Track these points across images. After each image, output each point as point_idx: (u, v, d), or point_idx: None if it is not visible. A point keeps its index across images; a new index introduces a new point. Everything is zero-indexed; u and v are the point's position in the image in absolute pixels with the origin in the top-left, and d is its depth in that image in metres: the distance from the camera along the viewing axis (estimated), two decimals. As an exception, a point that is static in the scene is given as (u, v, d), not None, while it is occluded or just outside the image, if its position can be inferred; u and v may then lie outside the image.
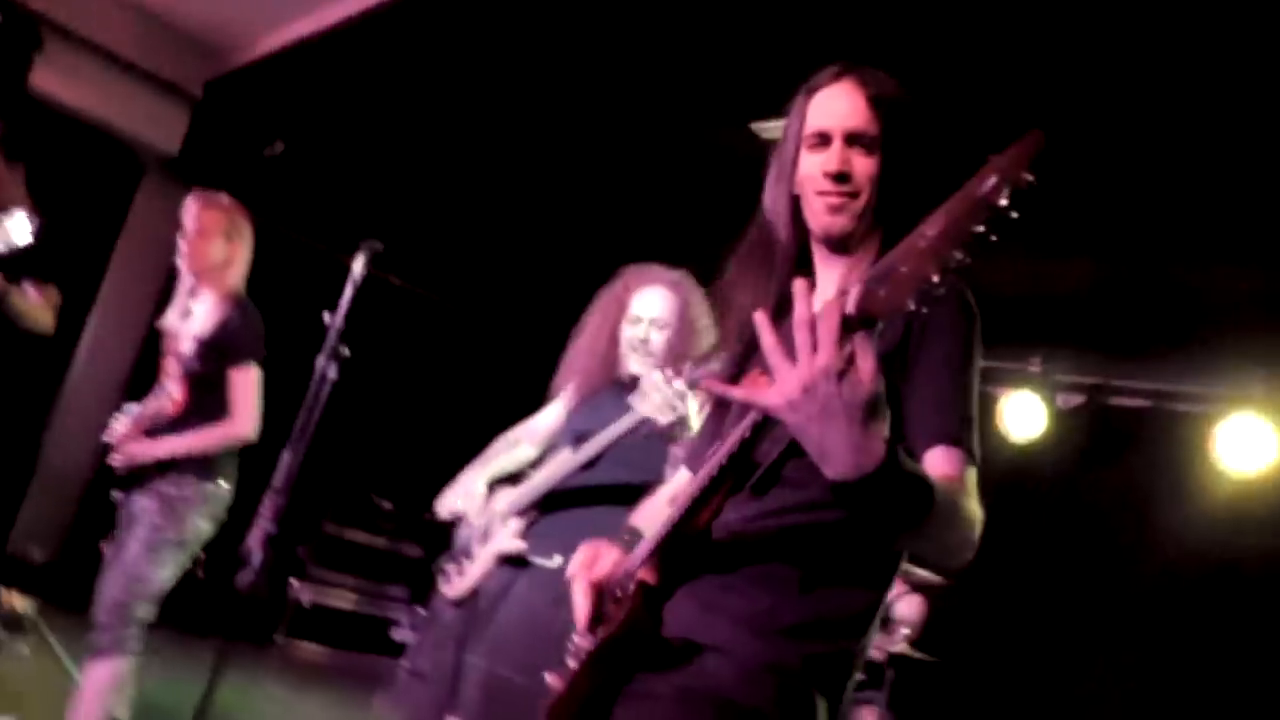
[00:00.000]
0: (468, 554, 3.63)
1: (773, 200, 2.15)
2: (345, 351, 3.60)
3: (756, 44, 4.56)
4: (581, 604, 2.08)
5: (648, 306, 3.68)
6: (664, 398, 3.15)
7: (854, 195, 2.00)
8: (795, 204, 2.10)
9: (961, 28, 4.01)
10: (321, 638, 7.35)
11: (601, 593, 2.09)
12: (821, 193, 2.01)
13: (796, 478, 1.88)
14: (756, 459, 1.87)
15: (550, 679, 2.11)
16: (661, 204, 6.05)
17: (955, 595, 4.96)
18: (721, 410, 2.29)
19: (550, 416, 3.92)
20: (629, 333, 3.67)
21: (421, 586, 7.10)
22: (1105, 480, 5.38)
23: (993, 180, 1.37)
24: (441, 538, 4.05)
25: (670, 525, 1.92)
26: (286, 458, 3.60)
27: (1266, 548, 4.81)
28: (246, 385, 3.94)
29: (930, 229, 1.41)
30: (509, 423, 3.99)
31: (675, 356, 3.58)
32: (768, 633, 1.89)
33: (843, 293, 1.46)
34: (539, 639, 3.31)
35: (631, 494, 3.21)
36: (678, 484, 2.37)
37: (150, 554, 3.77)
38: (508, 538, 3.54)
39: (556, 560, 3.40)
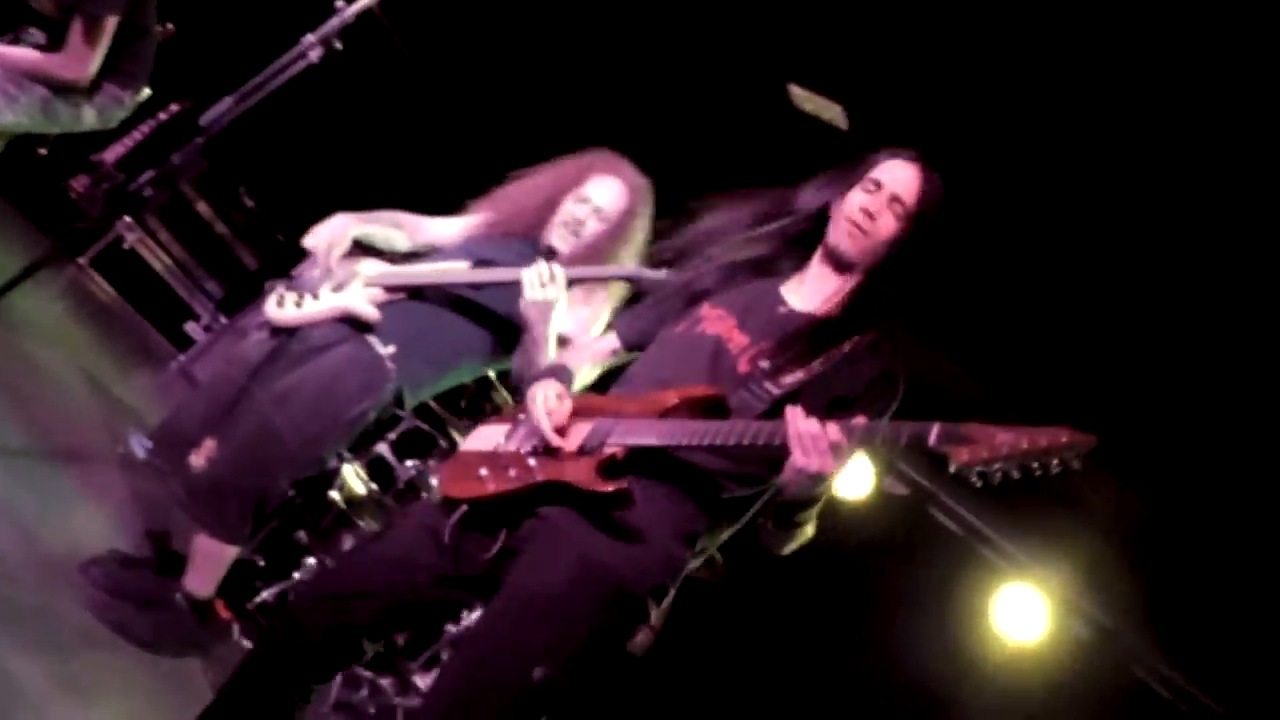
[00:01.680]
0: (312, 291, 3.60)
1: (811, 197, 2.80)
2: (338, 44, 3.50)
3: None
4: (558, 414, 2.57)
5: (601, 193, 3.73)
6: (540, 281, 3.24)
7: (874, 246, 2.67)
8: (823, 212, 2.76)
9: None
10: (120, 284, 7.14)
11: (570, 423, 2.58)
12: (852, 221, 2.67)
13: (751, 455, 2.49)
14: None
15: (483, 453, 2.67)
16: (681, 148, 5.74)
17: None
18: (668, 301, 2.88)
19: (445, 228, 3.94)
20: (570, 207, 3.72)
21: (236, 297, 6.89)
22: (886, 573, 5.42)
23: (1060, 452, 2.01)
24: (279, 263, 4.22)
25: (662, 441, 2.46)
26: (226, 105, 3.44)
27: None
28: (88, 31, 3.87)
29: (1006, 436, 2.04)
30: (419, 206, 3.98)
31: (594, 251, 3.64)
32: (676, 535, 2.54)
33: (918, 432, 2.16)
34: (327, 413, 3.46)
35: (498, 324, 3.57)
36: (603, 344, 2.99)
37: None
38: (363, 301, 3.54)
39: (389, 349, 3.46)
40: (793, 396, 2.53)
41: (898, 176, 2.73)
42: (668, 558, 2.55)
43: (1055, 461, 2.03)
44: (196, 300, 7.21)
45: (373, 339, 3.50)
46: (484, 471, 2.63)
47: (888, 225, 2.69)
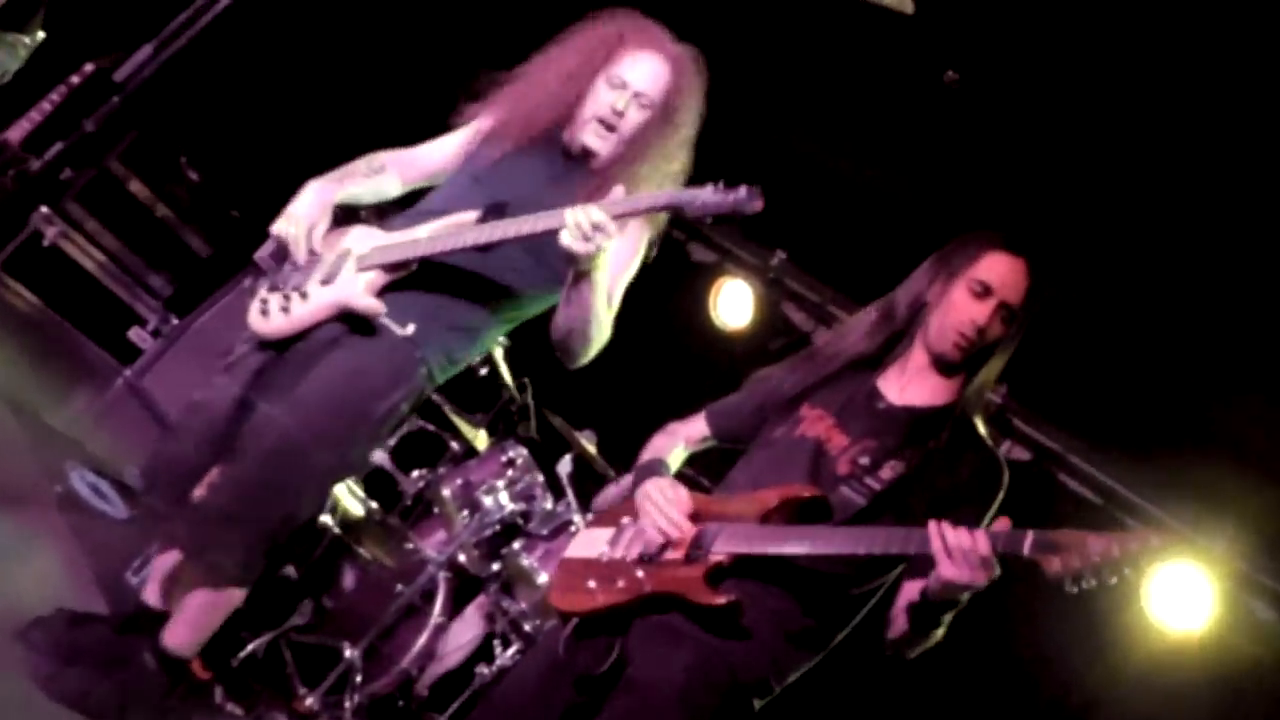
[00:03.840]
0: (298, 289, 3.33)
1: (910, 294, 2.97)
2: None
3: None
4: (666, 523, 2.76)
5: (640, 75, 3.41)
6: (581, 231, 2.93)
7: (977, 348, 2.85)
8: (921, 307, 2.94)
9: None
10: (43, 289, 6.40)
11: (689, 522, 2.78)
12: (960, 333, 2.83)
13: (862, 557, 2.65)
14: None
15: (589, 561, 2.93)
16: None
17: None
18: (766, 398, 3.11)
19: (441, 150, 3.65)
20: (605, 96, 3.40)
21: (188, 292, 6.26)
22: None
23: (1145, 555, 2.27)
24: (236, 246, 3.69)
25: (779, 549, 2.66)
26: (144, 55, 3.10)
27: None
28: None
29: (1099, 545, 2.28)
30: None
31: (641, 149, 3.36)
32: (784, 636, 2.75)
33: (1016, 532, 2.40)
34: (353, 415, 3.26)
35: (526, 272, 3.37)
36: (694, 430, 3.22)
37: None
38: (362, 290, 3.26)
39: (410, 329, 3.23)
40: (894, 491, 2.74)
41: (1006, 279, 2.84)
42: (773, 660, 2.74)
43: (1138, 566, 2.29)
44: (139, 301, 6.52)
45: (387, 321, 3.25)
46: (592, 583, 2.84)
47: (995, 329, 2.84)
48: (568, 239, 2.93)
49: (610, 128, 3.38)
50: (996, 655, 5.00)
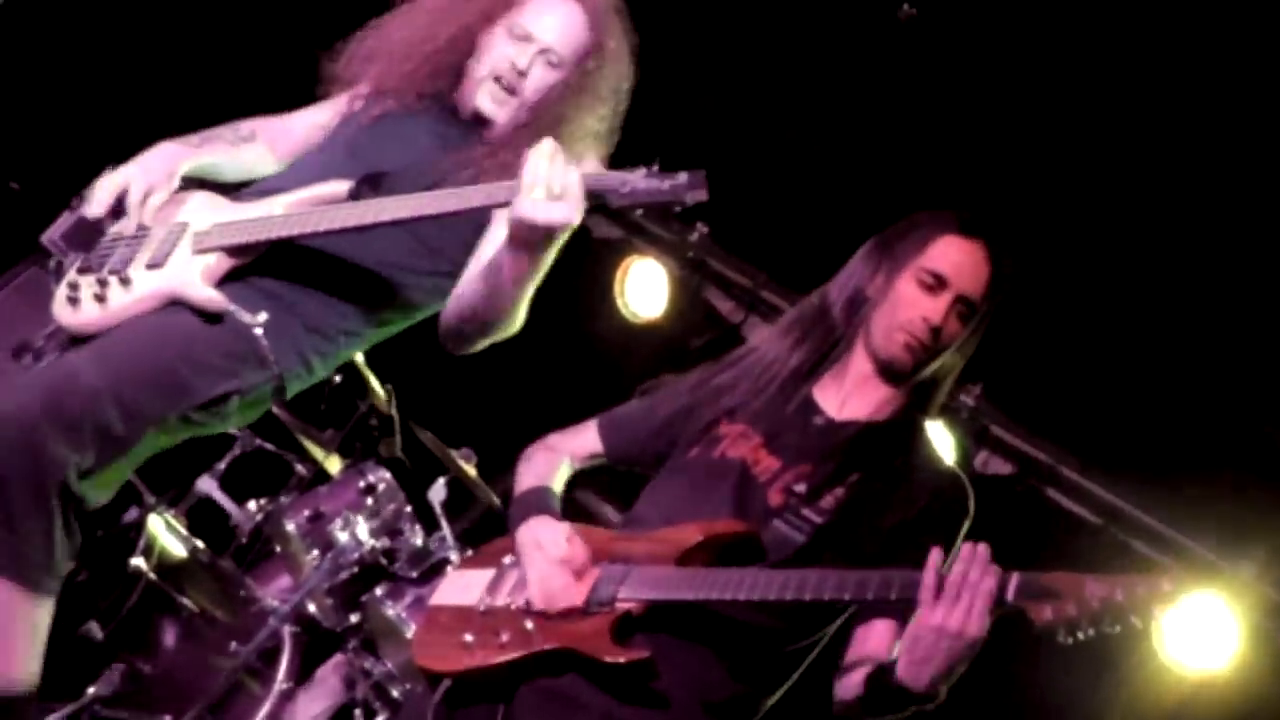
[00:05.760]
0: (118, 272, 3.05)
1: (846, 288, 2.73)
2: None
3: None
4: (555, 580, 2.53)
5: (549, 26, 3.25)
6: (549, 190, 2.63)
7: (934, 352, 2.62)
8: (861, 304, 2.70)
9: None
10: None
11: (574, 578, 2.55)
12: (910, 334, 2.59)
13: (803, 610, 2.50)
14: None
15: (464, 609, 2.73)
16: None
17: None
18: (670, 407, 2.87)
19: (320, 118, 3.43)
20: (504, 50, 3.24)
21: None
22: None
23: (1155, 600, 2.05)
24: (16, 226, 3.71)
25: (698, 595, 2.43)
26: None
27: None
28: None
29: (1099, 590, 2.08)
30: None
31: (548, 118, 3.14)
32: (705, 703, 2.52)
33: (999, 572, 2.17)
34: (164, 375, 2.94)
35: (391, 298, 3.18)
36: (582, 444, 2.98)
37: None
38: (197, 277, 3.00)
39: (260, 317, 3.00)
40: (838, 524, 2.55)
41: (963, 268, 2.64)
42: None
43: (1148, 614, 2.08)
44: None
45: (238, 311, 2.99)
46: (468, 637, 2.62)
47: (950, 328, 2.62)
48: (527, 207, 2.63)
49: (510, 89, 3.20)
50: (993, 704, 4.59)
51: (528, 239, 2.72)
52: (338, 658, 4.53)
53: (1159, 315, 4.47)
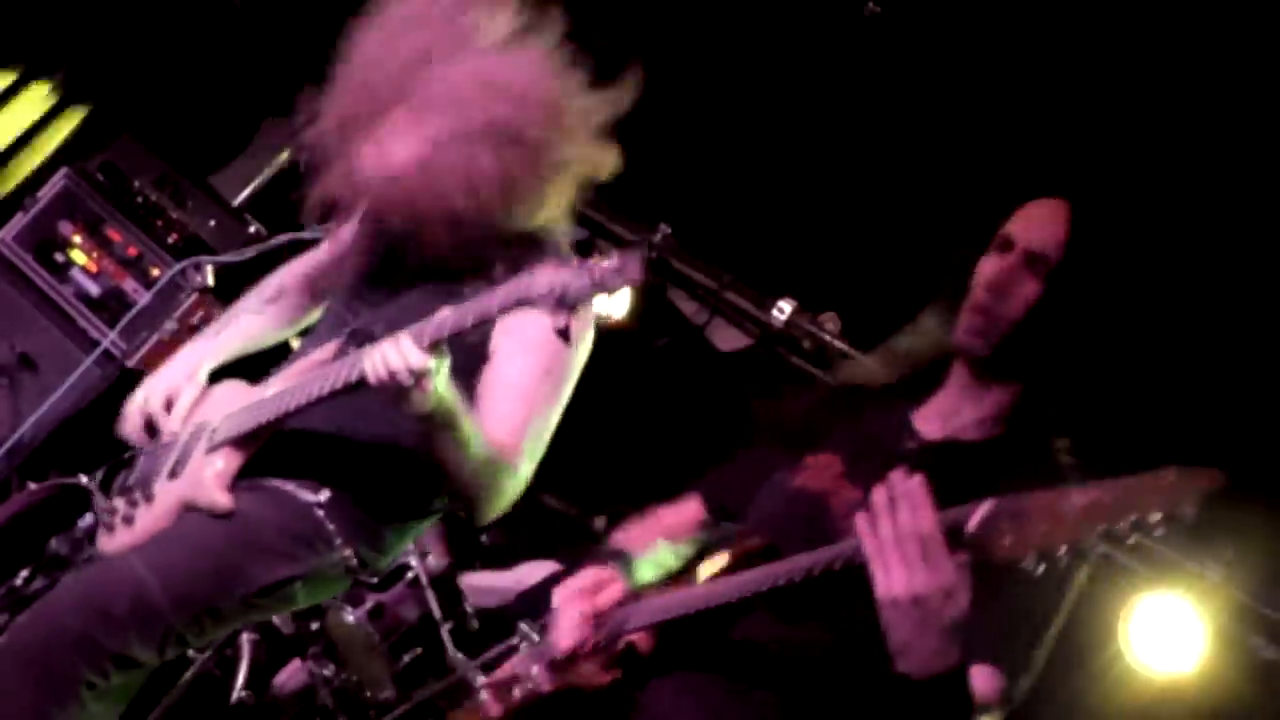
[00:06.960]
0: (145, 488, 2.93)
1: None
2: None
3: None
4: (569, 631, 2.40)
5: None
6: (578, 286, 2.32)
7: (1007, 323, 2.28)
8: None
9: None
10: None
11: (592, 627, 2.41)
12: (974, 300, 2.31)
13: (830, 618, 2.18)
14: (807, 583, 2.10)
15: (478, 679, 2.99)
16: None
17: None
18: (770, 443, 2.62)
19: (340, 242, 3.23)
20: None
21: None
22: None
23: (1160, 500, 1.69)
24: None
25: (688, 609, 2.26)
26: None
27: None
28: None
29: (1080, 499, 1.71)
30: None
31: (529, 178, 2.84)
32: None
33: (960, 509, 1.83)
34: (224, 566, 2.78)
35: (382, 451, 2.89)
36: (683, 512, 2.69)
37: None
38: (210, 483, 2.81)
39: (322, 495, 2.86)
40: None
41: (1031, 225, 2.33)
42: None
43: (1156, 518, 1.67)
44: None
45: (292, 484, 2.85)
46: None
47: (1024, 289, 2.26)
48: (367, 367, 2.51)
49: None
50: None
51: (393, 397, 2.53)
52: (297, 664, 4.42)
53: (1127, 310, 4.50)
